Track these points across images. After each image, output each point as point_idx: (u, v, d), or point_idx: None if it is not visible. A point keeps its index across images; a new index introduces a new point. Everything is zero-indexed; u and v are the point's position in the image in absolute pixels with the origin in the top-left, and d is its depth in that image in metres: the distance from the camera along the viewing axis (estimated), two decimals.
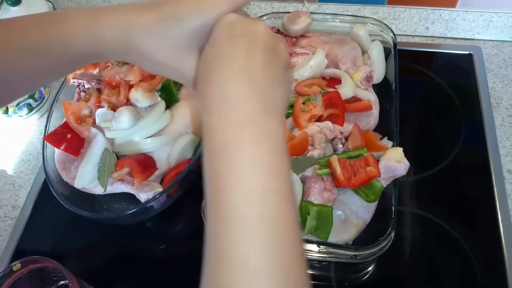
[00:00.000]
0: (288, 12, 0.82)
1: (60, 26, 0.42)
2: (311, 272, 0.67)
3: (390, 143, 0.67)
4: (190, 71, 0.44)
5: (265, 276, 0.32)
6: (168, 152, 0.70)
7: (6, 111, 0.84)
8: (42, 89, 0.87)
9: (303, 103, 0.69)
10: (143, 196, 0.66)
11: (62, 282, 0.63)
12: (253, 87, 0.38)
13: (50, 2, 0.89)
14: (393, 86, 0.73)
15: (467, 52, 0.90)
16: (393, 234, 0.58)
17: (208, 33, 0.43)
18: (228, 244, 0.33)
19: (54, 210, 0.75)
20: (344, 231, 0.62)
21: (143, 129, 0.69)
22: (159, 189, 0.67)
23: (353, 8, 0.92)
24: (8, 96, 0.46)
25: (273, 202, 0.35)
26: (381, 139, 0.69)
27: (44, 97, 0.88)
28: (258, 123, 0.37)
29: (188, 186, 0.71)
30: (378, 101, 0.74)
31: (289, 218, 0.35)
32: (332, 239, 0.60)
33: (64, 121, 0.74)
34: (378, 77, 0.77)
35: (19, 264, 0.56)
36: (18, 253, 0.72)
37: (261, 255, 0.33)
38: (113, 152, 0.70)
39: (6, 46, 0.41)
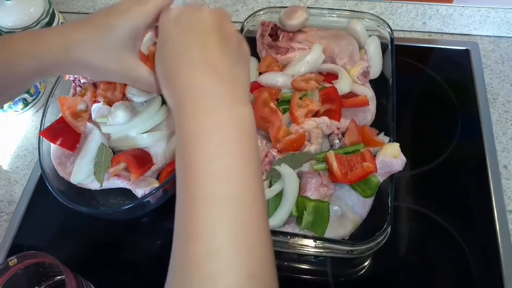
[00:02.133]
0: (285, 7, 0.82)
1: (6, 48, 0.46)
2: (308, 267, 0.67)
3: (386, 139, 0.67)
4: (132, 70, 0.49)
5: (229, 249, 0.34)
6: (164, 147, 0.69)
7: (2, 106, 0.83)
8: (37, 83, 0.86)
9: (300, 99, 0.69)
10: (139, 192, 0.66)
11: (58, 277, 0.63)
12: (215, 74, 0.41)
13: None
14: (390, 81, 0.73)
15: (464, 48, 0.90)
16: (389, 229, 0.58)
17: (140, 34, 0.48)
18: (195, 220, 0.36)
19: (50, 206, 0.75)
20: (341, 226, 0.62)
21: (139, 124, 0.69)
22: (156, 184, 0.67)
23: (350, 3, 0.92)
24: None
25: (237, 181, 0.37)
26: (377, 134, 0.69)
27: (39, 91, 0.88)
28: (224, 108, 0.40)
29: None
30: (375, 96, 0.74)
31: (253, 196, 0.37)
32: (328, 234, 0.60)
33: (60, 116, 0.73)
34: (375, 73, 0.77)
35: (16, 259, 0.56)
36: (14, 249, 0.72)
37: (225, 229, 0.35)
38: (109, 147, 0.69)
39: None
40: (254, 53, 0.81)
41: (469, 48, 0.89)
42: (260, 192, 0.39)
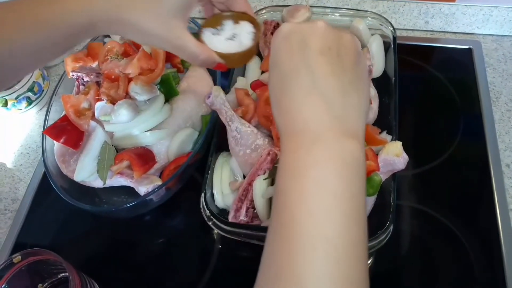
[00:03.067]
0: (288, 6, 0.82)
1: (55, 1, 0.45)
2: None
3: (389, 137, 0.67)
4: (178, 38, 0.48)
5: (326, 284, 0.31)
6: (167, 146, 0.70)
7: (5, 105, 0.83)
8: (41, 82, 0.87)
9: None
10: (142, 189, 0.66)
11: (62, 274, 0.63)
12: (322, 103, 0.37)
13: None
14: (393, 80, 0.73)
15: (467, 47, 0.89)
16: (391, 228, 0.58)
17: (192, 5, 0.49)
18: (287, 261, 0.33)
19: (54, 203, 0.76)
20: None
21: (142, 123, 0.69)
22: (158, 182, 0.67)
23: (352, 2, 0.92)
24: (4, 78, 0.48)
25: (338, 223, 0.34)
26: (380, 133, 0.69)
27: (43, 90, 0.88)
28: (329, 142, 0.36)
29: (187, 179, 0.71)
30: (377, 95, 0.74)
31: (354, 241, 0.34)
32: None
33: (63, 114, 0.74)
34: (377, 71, 0.77)
35: (20, 257, 0.56)
36: (18, 246, 0.73)
37: (320, 276, 0.32)
38: (112, 145, 0.70)
39: (1, 23, 0.43)
40: (257, 51, 0.81)
41: (471, 47, 0.89)
42: (362, 238, 0.35)
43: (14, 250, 0.72)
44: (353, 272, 0.33)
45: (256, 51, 0.58)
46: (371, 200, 0.63)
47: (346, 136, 0.37)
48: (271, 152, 0.65)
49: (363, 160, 0.38)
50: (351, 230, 0.34)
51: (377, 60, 0.77)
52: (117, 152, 0.69)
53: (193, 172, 0.72)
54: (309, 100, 0.38)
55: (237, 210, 0.62)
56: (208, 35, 0.54)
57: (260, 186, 0.60)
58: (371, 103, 0.71)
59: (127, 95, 0.70)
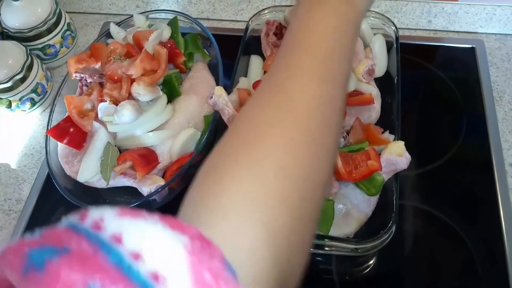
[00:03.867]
0: (290, 6, 0.82)
1: None
2: (312, 265, 0.67)
3: (391, 137, 0.67)
4: None
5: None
6: (170, 146, 0.70)
7: (9, 106, 0.84)
8: (44, 83, 0.87)
9: None
10: (145, 190, 0.67)
11: None
12: None
13: None
14: (395, 79, 0.73)
15: (470, 46, 0.89)
16: (394, 227, 0.58)
17: None
18: (281, 87, 0.38)
19: (58, 204, 0.76)
20: (345, 224, 0.62)
21: (145, 123, 0.69)
22: (161, 182, 0.67)
23: None
24: None
25: (338, 41, 0.41)
26: (382, 132, 0.69)
27: (46, 91, 0.88)
28: (329, 5, 0.42)
29: (190, 180, 0.71)
30: (380, 94, 0.74)
31: (341, 61, 0.40)
32: (333, 232, 0.61)
33: (66, 115, 0.74)
34: (380, 71, 0.77)
35: None
36: None
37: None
38: (115, 146, 0.70)
39: None
40: (259, 52, 0.82)
41: (475, 46, 0.89)
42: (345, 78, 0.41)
43: None
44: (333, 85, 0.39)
45: None
46: (374, 200, 0.63)
47: (346, 3, 0.43)
48: None
49: (357, 26, 0.44)
50: (343, 67, 0.41)
51: (380, 60, 0.77)
52: (120, 152, 0.69)
53: (196, 172, 0.72)
54: None
55: None
56: None
57: None
58: (374, 103, 0.71)
59: (130, 96, 0.70)
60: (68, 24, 0.93)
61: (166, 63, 0.73)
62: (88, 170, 0.68)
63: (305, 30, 0.41)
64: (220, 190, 0.32)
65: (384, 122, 0.71)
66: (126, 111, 0.67)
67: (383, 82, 0.76)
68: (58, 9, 0.90)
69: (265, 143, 0.34)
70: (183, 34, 0.81)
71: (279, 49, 0.43)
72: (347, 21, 0.43)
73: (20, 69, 0.81)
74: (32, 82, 0.84)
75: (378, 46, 0.77)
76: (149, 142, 0.70)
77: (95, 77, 0.75)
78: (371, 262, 0.66)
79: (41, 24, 0.87)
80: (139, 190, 0.68)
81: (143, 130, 0.69)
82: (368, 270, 0.66)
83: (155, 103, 0.70)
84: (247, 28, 0.82)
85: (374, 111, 0.72)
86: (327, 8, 0.42)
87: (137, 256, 0.23)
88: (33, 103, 0.86)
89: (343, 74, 0.41)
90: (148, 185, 0.67)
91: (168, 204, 0.70)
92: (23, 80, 0.82)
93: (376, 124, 0.72)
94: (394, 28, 0.78)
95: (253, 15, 0.83)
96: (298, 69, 0.38)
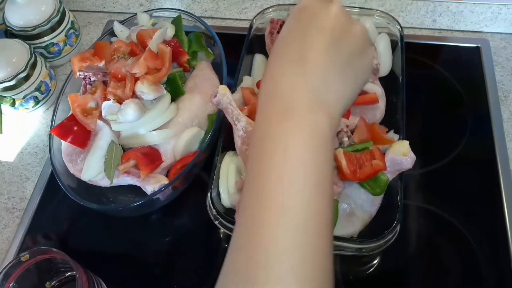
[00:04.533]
0: (294, 4, 0.81)
1: None
2: None
3: (396, 136, 0.67)
4: None
5: (291, 252, 0.32)
6: (173, 145, 0.70)
7: (13, 104, 0.84)
8: (48, 81, 0.87)
9: None
10: (149, 189, 0.67)
11: (69, 272, 0.64)
12: (303, 77, 0.38)
13: None
14: (400, 79, 0.72)
15: (475, 45, 0.89)
16: (398, 227, 0.58)
17: None
18: (255, 229, 0.34)
19: (61, 202, 0.76)
20: (349, 224, 0.62)
21: (148, 122, 0.69)
22: (165, 181, 0.67)
23: (359, 0, 0.91)
24: None
25: (303, 193, 0.34)
26: (387, 132, 0.69)
27: (50, 89, 0.88)
28: (300, 114, 0.37)
29: (194, 178, 0.71)
30: (384, 94, 0.73)
31: (318, 212, 0.35)
32: (337, 232, 0.60)
33: (70, 113, 0.74)
34: (384, 70, 0.77)
35: (27, 255, 0.57)
36: (26, 244, 0.73)
37: (284, 246, 0.33)
38: (119, 144, 0.70)
39: None
40: (263, 50, 0.81)
41: (479, 45, 0.88)
42: (325, 209, 0.36)
43: (22, 249, 0.72)
44: (317, 242, 0.34)
45: None
46: (378, 199, 0.63)
47: (317, 111, 0.37)
48: None
49: (331, 137, 0.38)
50: (316, 200, 0.35)
51: (384, 59, 0.76)
52: (123, 151, 0.69)
53: (200, 171, 0.72)
54: (293, 69, 0.38)
55: None
56: None
57: None
58: (378, 102, 0.71)
59: (133, 95, 0.70)
60: (72, 22, 0.93)
61: (170, 61, 0.73)
62: (92, 169, 0.68)
63: (274, 155, 0.35)
64: None
65: (389, 121, 0.71)
66: (130, 110, 0.67)
67: (387, 81, 0.76)
68: (61, 8, 0.90)
69: None
70: (187, 33, 0.81)
71: (249, 151, 0.38)
72: (324, 139, 0.37)
73: (23, 67, 0.81)
74: (35, 80, 0.84)
75: (383, 45, 0.77)
76: (152, 141, 0.69)
77: (98, 76, 0.75)
78: (375, 261, 0.66)
79: (45, 23, 0.87)
80: (143, 189, 0.68)
81: (147, 128, 0.69)
82: (372, 269, 0.66)
83: (159, 102, 0.70)
84: (251, 26, 0.82)
85: (378, 111, 0.71)
86: (299, 122, 0.36)
87: None
88: (37, 101, 0.86)
89: (327, 232, 0.35)
90: (152, 184, 0.66)
91: (171, 203, 0.70)
92: (26, 78, 0.82)
93: (380, 123, 0.71)
94: (398, 27, 0.77)
95: (257, 14, 0.83)
96: (272, 243, 0.33)
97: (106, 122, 0.70)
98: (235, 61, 0.76)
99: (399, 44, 0.76)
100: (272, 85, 0.39)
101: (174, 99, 0.73)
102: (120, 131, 0.70)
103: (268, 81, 0.40)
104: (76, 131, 0.71)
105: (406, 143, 0.61)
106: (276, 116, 0.37)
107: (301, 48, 0.39)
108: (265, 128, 0.37)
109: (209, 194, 0.62)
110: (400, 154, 0.60)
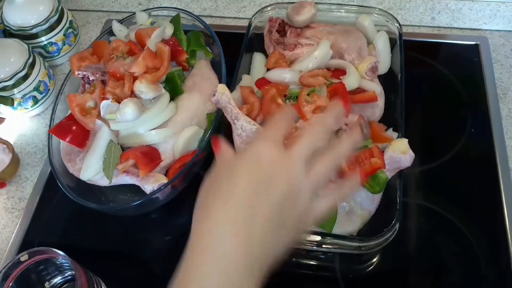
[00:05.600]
0: (293, 3, 0.81)
1: None
2: (316, 263, 0.67)
3: (395, 134, 0.67)
4: None
5: None
6: (172, 144, 0.70)
7: (12, 104, 0.84)
8: (47, 81, 0.87)
9: (308, 95, 0.69)
10: (148, 188, 0.67)
11: (68, 272, 0.64)
12: (228, 223, 0.39)
13: None
14: (399, 77, 0.72)
15: (474, 43, 0.89)
16: (397, 225, 0.58)
17: None
18: None
19: (60, 202, 0.76)
20: (349, 222, 0.62)
21: (147, 121, 0.69)
22: (164, 180, 0.67)
23: None
24: None
25: None
26: (386, 130, 0.69)
27: (49, 89, 0.88)
28: (228, 280, 0.37)
29: (193, 177, 0.71)
30: (383, 92, 0.73)
31: None
32: (336, 230, 0.60)
33: (69, 113, 0.74)
34: (383, 68, 0.77)
35: (27, 255, 0.57)
36: (25, 244, 0.73)
37: None
38: (118, 144, 0.70)
39: None
40: (262, 49, 0.81)
41: (478, 43, 0.88)
42: None
43: (21, 249, 0.72)
44: None
45: None
46: (377, 197, 0.63)
47: (248, 282, 0.37)
48: None
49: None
50: None
51: (383, 57, 0.76)
52: (122, 150, 0.69)
53: (199, 170, 0.72)
54: (212, 221, 0.41)
55: None
56: None
57: None
58: (377, 100, 0.71)
59: (132, 94, 0.70)
60: (70, 21, 0.93)
61: (169, 60, 0.73)
62: (91, 168, 0.68)
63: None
64: None
65: (388, 119, 0.71)
66: (128, 109, 0.67)
67: (386, 79, 0.76)
68: (60, 7, 0.90)
69: None
70: (186, 32, 0.81)
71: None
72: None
73: (22, 67, 0.81)
74: (34, 80, 0.84)
75: (382, 43, 0.77)
76: (151, 140, 0.69)
77: (97, 75, 0.75)
78: (375, 259, 0.66)
79: (43, 22, 0.87)
80: (142, 188, 0.68)
81: (145, 128, 0.69)
82: (371, 268, 0.66)
83: (157, 101, 0.70)
84: (249, 25, 0.82)
85: (377, 109, 0.71)
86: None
87: None
88: (36, 101, 0.86)
89: None
90: (151, 183, 0.66)
91: (171, 202, 0.70)
92: (25, 78, 0.82)
93: (379, 121, 0.71)
94: (397, 25, 0.77)
95: (256, 12, 0.83)
96: None
97: (105, 121, 0.70)
98: (234, 60, 0.76)
99: (398, 42, 0.76)
100: (196, 226, 0.42)
101: (173, 98, 0.73)
102: (119, 130, 0.70)
103: (195, 219, 0.43)
104: (75, 130, 0.71)
105: (405, 141, 0.61)
106: (195, 269, 0.40)
107: (220, 199, 0.41)
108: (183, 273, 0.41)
109: None
110: (399, 152, 0.60)
